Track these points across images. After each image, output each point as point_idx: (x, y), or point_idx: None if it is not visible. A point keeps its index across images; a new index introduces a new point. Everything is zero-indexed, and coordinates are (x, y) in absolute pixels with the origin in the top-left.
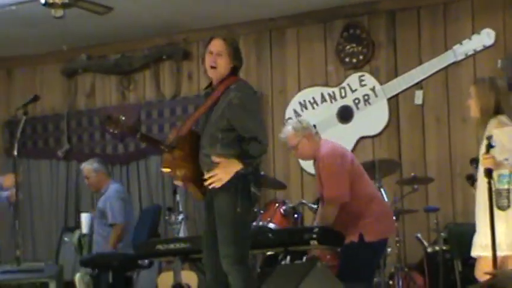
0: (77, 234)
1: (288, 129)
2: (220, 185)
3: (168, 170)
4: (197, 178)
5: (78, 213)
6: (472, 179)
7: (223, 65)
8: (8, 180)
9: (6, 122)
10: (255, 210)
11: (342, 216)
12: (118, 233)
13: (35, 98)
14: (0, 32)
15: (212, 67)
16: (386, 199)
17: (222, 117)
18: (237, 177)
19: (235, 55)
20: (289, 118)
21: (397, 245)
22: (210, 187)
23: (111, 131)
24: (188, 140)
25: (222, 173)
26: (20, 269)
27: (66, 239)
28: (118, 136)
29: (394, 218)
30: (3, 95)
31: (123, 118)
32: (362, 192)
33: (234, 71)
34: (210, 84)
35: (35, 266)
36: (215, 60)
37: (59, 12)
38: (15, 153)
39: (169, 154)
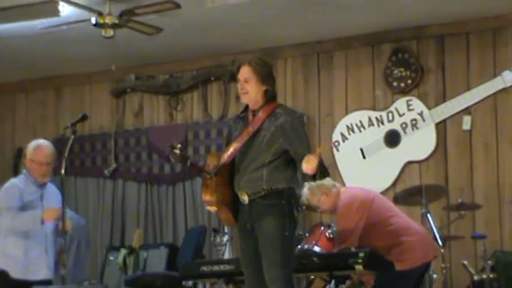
0: (122, 253)
1: (305, 191)
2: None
3: (208, 196)
4: (231, 204)
5: (123, 232)
6: None
7: (253, 90)
8: (48, 214)
9: (54, 140)
10: (300, 233)
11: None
12: None
13: (84, 117)
14: (50, 51)
15: (244, 93)
16: (432, 224)
17: (272, 142)
18: (284, 201)
19: (264, 78)
20: (336, 141)
21: (443, 271)
22: None
23: (173, 160)
24: (227, 167)
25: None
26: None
27: (111, 258)
28: (165, 156)
29: (430, 243)
30: (53, 114)
31: (179, 145)
32: (389, 230)
33: (270, 94)
34: (246, 108)
35: (80, 286)
36: (244, 86)
37: (109, 33)
38: (63, 171)
39: (210, 180)
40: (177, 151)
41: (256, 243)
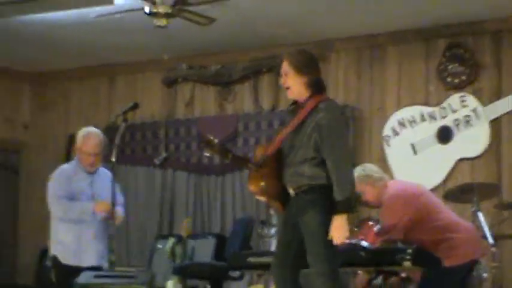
0: (170, 241)
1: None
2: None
3: (254, 187)
4: (280, 194)
5: (172, 221)
6: None
7: (293, 84)
8: (99, 207)
9: (106, 127)
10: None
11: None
12: None
13: (135, 106)
14: (103, 40)
15: (287, 88)
16: (483, 223)
17: (310, 137)
18: (325, 195)
19: (302, 68)
20: (387, 136)
21: (493, 270)
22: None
23: (208, 155)
24: (274, 159)
25: (337, 235)
26: (113, 274)
27: (159, 246)
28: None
29: (479, 240)
30: (105, 101)
31: (216, 140)
32: (436, 226)
33: (312, 83)
34: (295, 102)
35: (128, 272)
36: (285, 81)
37: (162, 22)
38: (114, 159)
39: (256, 172)
40: (215, 146)
41: (296, 237)
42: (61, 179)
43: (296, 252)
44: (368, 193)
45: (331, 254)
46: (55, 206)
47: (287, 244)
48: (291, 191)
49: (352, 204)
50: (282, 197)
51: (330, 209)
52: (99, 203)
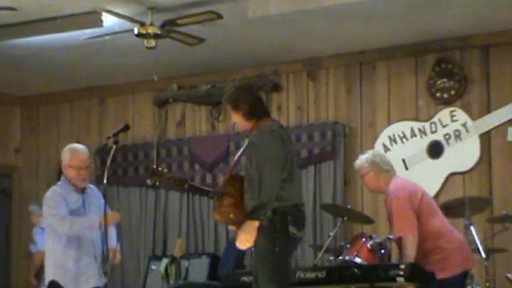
0: (164, 262)
1: (361, 158)
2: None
3: (219, 217)
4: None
5: (165, 241)
6: None
7: (236, 120)
8: (111, 218)
9: (97, 149)
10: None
11: None
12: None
13: (125, 128)
14: (93, 61)
15: (235, 124)
16: (475, 236)
17: (247, 158)
18: (276, 216)
19: (236, 104)
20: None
21: (487, 284)
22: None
23: (156, 184)
24: (236, 185)
25: (242, 238)
26: None
27: (153, 267)
28: (207, 166)
29: (469, 251)
30: (96, 123)
31: (166, 171)
32: (430, 230)
33: (251, 114)
34: None
35: None
36: (234, 119)
37: (151, 43)
38: (105, 181)
39: (219, 202)
40: (163, 176)
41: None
42: (58, 198)
43: None
44: (369, 178)
45: (277, 276)
46: (60, 224)
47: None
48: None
49: (262, 214)
50: None
51: (281, 230)
52: (109, 214)
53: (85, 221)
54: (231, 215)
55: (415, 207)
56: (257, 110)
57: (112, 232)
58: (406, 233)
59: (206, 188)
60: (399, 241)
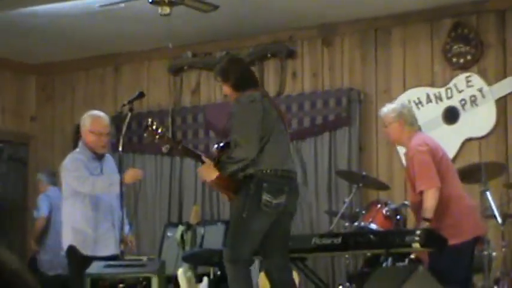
0: (180, 229)
1: (389, 107)
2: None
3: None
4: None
5: (181, 208)
6: None
7: (226, 90)
8: (130, 175)
9: (112, 117)
10: (357, 210)
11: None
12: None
13: (140, 95)
14: (108, 29)
15: (225, 95)
16: (491, 202)
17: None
18: (252, 182)
19: (225, 77)
20: None
21: (503, 249)
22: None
23: (149, 138)
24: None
25: (202, 175)
26: (123, 264)
27: (169, 234)
28: (221, 133)
29: (479, 217)
30: (111, 91)
31: (164, 129)
32: (443, 193)
33: (238, 85)
34: None
35: (138, 261)
36: (224, 90)
37: (166, 10)
38: (120, 148)
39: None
40: (161, 136)
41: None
42: (78, 163)
43: None
44: (393, 128)
45: (239, 240)
46: (83, 184)
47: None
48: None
49: (222, 168)
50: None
51: (253, 197)
52: (130, 170)
53: (106, 179)
54: (214, 174)
55: (435, 164)
56: (245, 82)
57: (124, 219)
58: (429, 185)
59: (198, 152)
60: (418, 198)
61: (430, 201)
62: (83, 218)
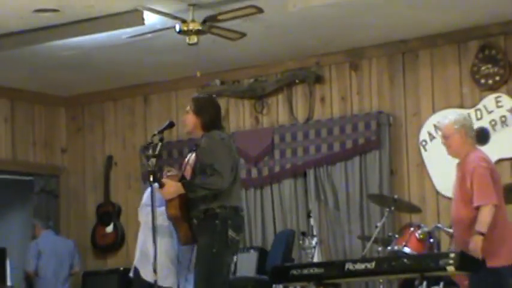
0: None
1: (449, 118)
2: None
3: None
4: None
5: None
6: None
7: (190, 121)
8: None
9: (142, 147)
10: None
11: (466, 238)
12: None
13: (170, 124)
14: (136, 60)
15: (184, 123)
16: None
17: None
18: (217, 220)
19: (199, 111)
20: (424, 140)
21: None
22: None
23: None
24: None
25: (166, 191)
26: None
27: None
28: (252, 160)
29: None
30: (141, 121)
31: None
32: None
33: (207, 126)
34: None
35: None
36: (186, 118)
37: (193, 39)
38: (151, 178)
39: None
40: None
41: None
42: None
43: None
44: (454, 140)
45: (212, 276)
46: (142, 214)
47: None
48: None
49: (190, 190)
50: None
51: (220, 233)
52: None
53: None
54: (182, 210)
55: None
56: (214, 124)
57: None
58: (488, 201)
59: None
60: (469, 214)
61: (487, 216)
62: (150, 241)
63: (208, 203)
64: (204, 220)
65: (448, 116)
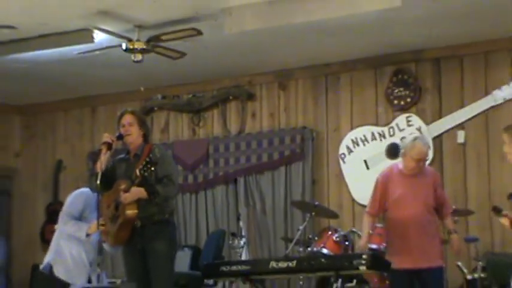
0: None
1: (429, 145)
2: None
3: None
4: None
5: None
6: (496, 210)
7: (135, 132)
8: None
9: (89, 153)
10: (310, 236)
11: (435, 240)
12: None
13: (119, 137)
14: (86, 74)
15: (127, 135)
16: None
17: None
18: (169, 227)
19: (143, 123)
20: (343, 154)
21: None
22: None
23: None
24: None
25: (130, 194)
26: (98, 286)
27: None
28: (189, 168)
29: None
30: (89, 130)
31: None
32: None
33: (146, 137)
34: (128, 153)
35: (113, 284)
36: (128, 129)
37: (138, 57)
38: (98, 182)
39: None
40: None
41: (145, 260)
42: (76, 199)
43: None
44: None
45: (173, 275)
46: (60, 221)
47: (142, 268)
48: (139, 223)
49: (153, 197)
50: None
51: (173, 238)
52: (94, 224)
53: (75, 225)
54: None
55: None
56: (148, 136)
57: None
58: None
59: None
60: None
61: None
62: (67, 245)
63: (161, 209)
64: (155, 225)
65: (429, 144)
